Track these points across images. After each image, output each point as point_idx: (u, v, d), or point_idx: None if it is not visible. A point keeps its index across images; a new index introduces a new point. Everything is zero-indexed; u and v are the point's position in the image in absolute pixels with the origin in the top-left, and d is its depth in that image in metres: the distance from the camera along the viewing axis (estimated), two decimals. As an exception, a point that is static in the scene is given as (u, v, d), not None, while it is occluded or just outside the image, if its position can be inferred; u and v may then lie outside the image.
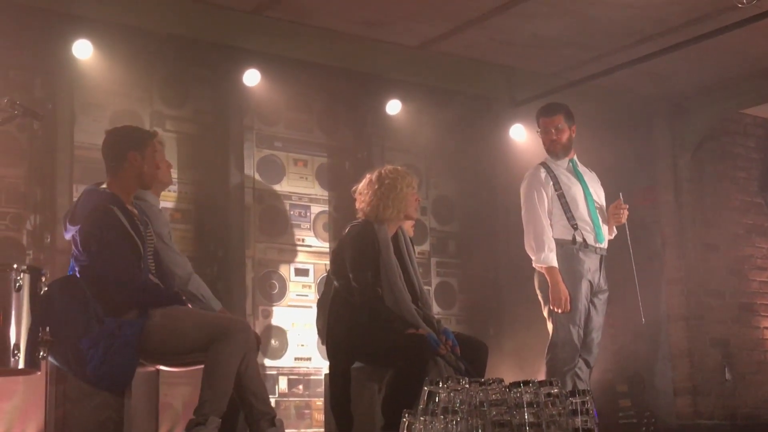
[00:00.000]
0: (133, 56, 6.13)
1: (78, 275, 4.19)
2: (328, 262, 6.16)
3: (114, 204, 4.22)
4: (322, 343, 5.02)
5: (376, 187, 4.92)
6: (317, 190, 7.00)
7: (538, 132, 5.65)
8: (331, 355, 4.85)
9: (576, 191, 5.53)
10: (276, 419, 4.23)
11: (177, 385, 5.65)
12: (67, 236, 4.30)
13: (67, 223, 4.27)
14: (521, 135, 7.41)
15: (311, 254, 6.89)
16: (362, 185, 5.00)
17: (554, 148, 5.56)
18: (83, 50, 5.91)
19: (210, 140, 6.58)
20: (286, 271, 6.78)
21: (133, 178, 4.36)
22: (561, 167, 5.58)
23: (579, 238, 5.45)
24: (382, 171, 4.98)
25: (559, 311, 5.34)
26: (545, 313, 5.46)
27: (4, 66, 5.92)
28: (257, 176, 6.75)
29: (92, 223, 4.16)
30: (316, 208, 6.97)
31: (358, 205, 5.00)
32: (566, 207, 5.47)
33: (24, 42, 5.92)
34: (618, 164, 7.23)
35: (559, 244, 5.43)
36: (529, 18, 6.48)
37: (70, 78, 6.01)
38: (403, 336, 4.62)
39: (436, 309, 6.94)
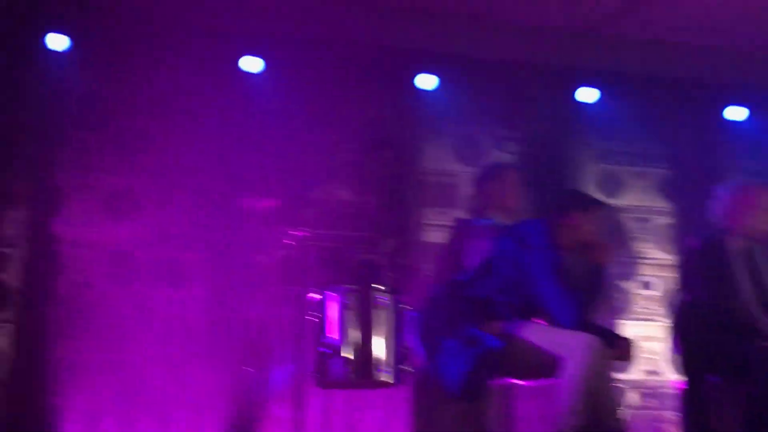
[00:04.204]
0: (472, 84, 6.44)
1: (458, 290, 4.43)
2: (673, 275, 6.06)
3: None
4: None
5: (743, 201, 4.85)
6: (658, 203, 6.94)
7: None
8: (684, 370, 4.79)
9: None
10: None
11: (531, 398, 5.78)
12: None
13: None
14: None
15: (655, 267, 6.82)
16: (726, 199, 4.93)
17: None
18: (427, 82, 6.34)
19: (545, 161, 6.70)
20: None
21: None
22: None
23: None
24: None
25: None
26: None
27: (357, 106, 6.34)
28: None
29: None
30: (658, 220, 6.92)
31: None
32: None
33: (365, 78, 6.33)
34: None
35: None
36: None
37: (409, 107, 6.39)
38: (757, 348, 4.46)
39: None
